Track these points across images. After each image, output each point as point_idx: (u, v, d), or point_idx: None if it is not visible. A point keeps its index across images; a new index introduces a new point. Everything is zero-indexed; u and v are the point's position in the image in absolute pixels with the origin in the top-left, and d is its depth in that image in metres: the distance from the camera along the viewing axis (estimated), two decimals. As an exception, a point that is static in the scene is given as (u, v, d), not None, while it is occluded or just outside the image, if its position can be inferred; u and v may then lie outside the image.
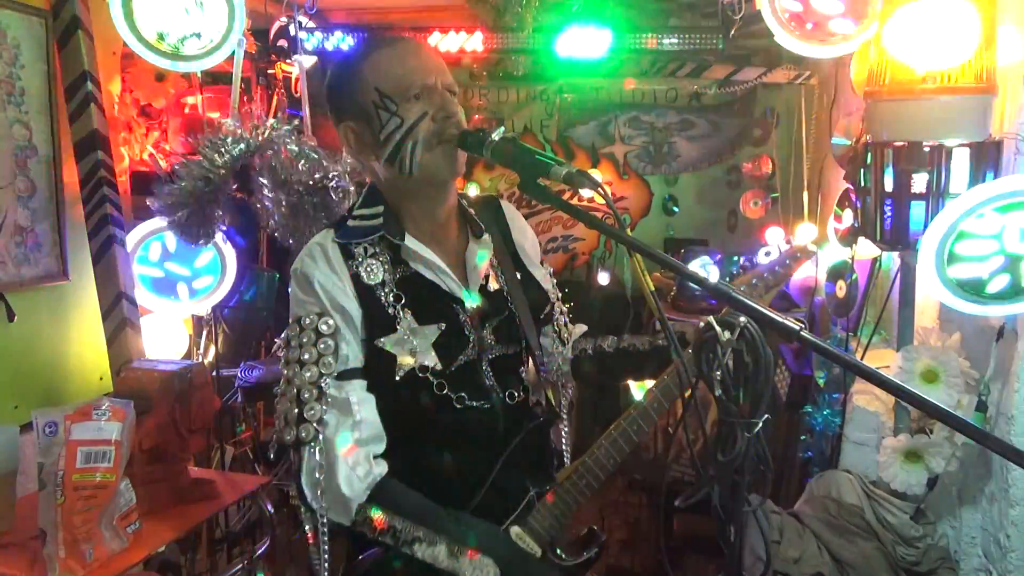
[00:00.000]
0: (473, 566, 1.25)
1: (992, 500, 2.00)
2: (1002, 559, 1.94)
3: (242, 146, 2.15)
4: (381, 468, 1.31)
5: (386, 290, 1.35)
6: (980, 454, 2.04)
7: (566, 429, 1.59)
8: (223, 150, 2.14)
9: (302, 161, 2.16)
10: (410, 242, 1.36)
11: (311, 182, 2.16)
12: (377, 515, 1.27)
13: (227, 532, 2.83)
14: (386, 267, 1.36)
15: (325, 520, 1.29)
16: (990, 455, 1.99)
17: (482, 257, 1.43)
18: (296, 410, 1.28)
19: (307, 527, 1.33)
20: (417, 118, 1.31)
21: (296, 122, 2.31)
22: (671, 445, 3.10)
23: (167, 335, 2.65)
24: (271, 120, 2.24)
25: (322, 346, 1.30)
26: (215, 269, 2.57)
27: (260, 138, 2.17)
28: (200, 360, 2.78)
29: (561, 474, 1.45)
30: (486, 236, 1.44)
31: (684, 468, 3.00)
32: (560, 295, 1.60)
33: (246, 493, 2.27)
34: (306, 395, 1.28)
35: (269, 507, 2.43)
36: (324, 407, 1.28)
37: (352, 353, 1.32)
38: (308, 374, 1.29)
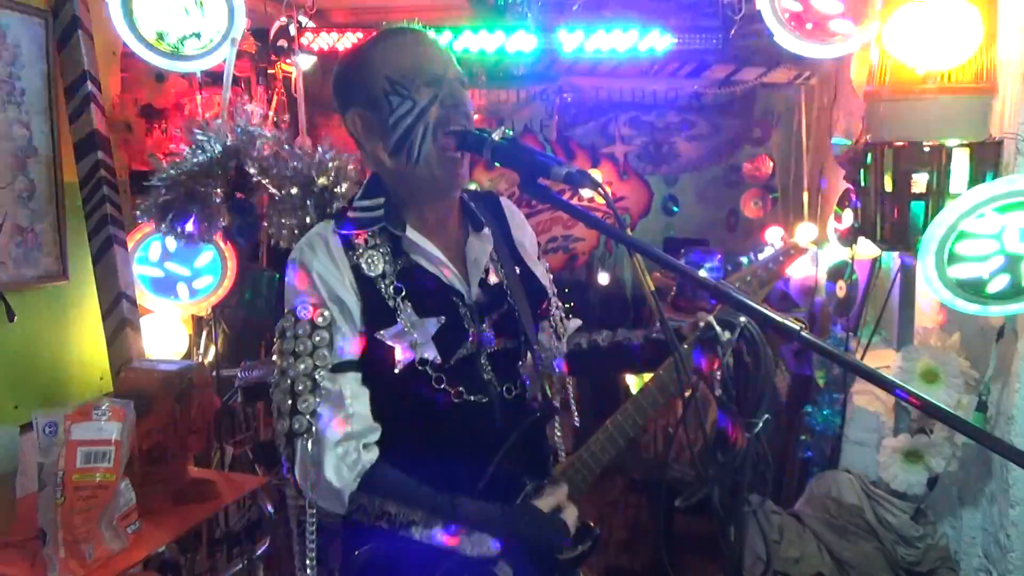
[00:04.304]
0: (472, 542, 1.25)
1: (992, 500, 2.00)
2: (1002, 559, 1.94)
3: (218, 147, 2.14)
4: (371, 455, 1.30)
5: (386, 282, 1.34)
6: (980, 454, 2.04)
7: (558, 426, 1.58)
8: (201, 149, 2.13)
9: (293, 162, 2.15)
10: (411, 234, 1.36)
11: (303, 180, 2.15)
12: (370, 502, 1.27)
13: (227, 532, 2.83)
14: (387, 259, 1.35)
15: (314, 512, 1.29)
16: (990, 455, 1.99)
17: (482, 251, 1.42)
18: (290, 401, 1.28)
19: (291, 514, 1.33)
20: (427, 102, 1.31)
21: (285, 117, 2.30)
22: (671, 445, 3.10)
23: (167, 335, 2.65)
24: (254, 119, 2.23)
25: (317, 338, 1.29)
26: (215, 269, 2.57)
27: (234, 136, 2.16)
28: (200, 360, 2.78)
29: (557, 468, 1.45)
30: (486, 230, 1.43)
31: (684, 468, 3.00)
32: (556, 291, 1.60)
33: (246, 493, 2.27)
34: (300, 387, 1.28)
35: (269, 507, 2.43)
36: (317, 399, 1.28)
37: (347, 345, 1.32)
38: (302, 366, 1.28)
